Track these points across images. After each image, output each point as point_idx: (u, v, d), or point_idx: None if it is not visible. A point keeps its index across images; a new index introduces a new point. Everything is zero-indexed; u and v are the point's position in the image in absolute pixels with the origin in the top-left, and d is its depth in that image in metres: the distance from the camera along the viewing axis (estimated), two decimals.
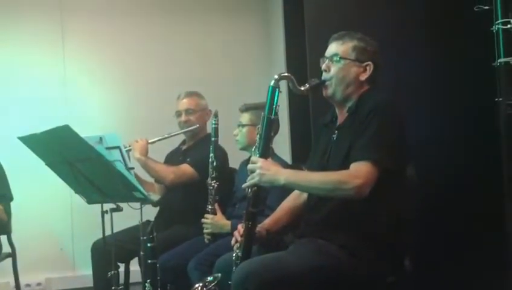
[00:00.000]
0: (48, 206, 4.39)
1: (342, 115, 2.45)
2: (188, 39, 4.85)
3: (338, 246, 2.25)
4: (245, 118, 3.31)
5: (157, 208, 3.71)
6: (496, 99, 2.50)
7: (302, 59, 3.84)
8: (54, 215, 4.43)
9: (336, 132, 2.44)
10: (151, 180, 3.71)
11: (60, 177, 2.98)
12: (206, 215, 3.16)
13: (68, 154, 2.78)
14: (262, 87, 2.40)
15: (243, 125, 3.30)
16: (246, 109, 3.32)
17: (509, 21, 2.46)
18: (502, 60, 2.47)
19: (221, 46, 4.91)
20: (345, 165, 2.26)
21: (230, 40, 4.94)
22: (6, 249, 3.73)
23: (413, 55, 3.18)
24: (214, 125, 3.22)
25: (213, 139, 3.21)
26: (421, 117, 3.08)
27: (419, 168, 2.52)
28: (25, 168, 3.82)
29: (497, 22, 2.50)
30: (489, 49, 2.54)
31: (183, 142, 3.87)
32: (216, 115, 3.22)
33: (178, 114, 3.72)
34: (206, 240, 3.16)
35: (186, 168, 3.54)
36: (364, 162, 2.20)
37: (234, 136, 3.34)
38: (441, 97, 3.13)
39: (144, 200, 2.91)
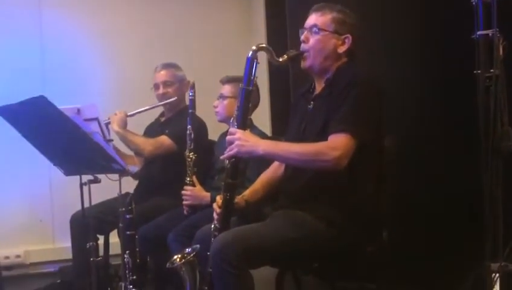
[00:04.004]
0: (27, 178, 4.36)
1: (319, 86, 2.46)
2: (168, 10, 4.77)
3: (316, 217, 2.27)
4: (226, 89, 3.28)
5: (136, 181, 3.70)
6: (475, 72, 2.50)
7: (282, 30, 3.81)
8: (33, 187, 4.40)
9: (312, 102, 2.44)
10: (131, 153, 3.69)
11: (37, 148, 2.94)
12: (186, 187, 3.15)
13: (45, 126, 2.75)
14: (242, 59, 2.38)
15: (224, 97, 3.28)
16: (228, 80, 3.29)
17: None
18: (481, 32, 2.48)
19: (202, 18, 4.85)
20: (321, 136, 2.27)
21: (210, 12, 4.88)
22: None
23: (392, 28, 3.17)
24: (191, 97, 3.19)
25: (190, 111, 3.18)
26: (401, 89, 3.09)
27: (399, 140, 2.53)
28: (2, 139, 3.77)
29: None
30: (468, 22, 2.54)
31: (162, 115, 3.84)
32: (193, 87, 3.19)
33: (156, 87, 3.68)
34: (185, 211, 3.16)
35: (164, 139, 3.53)
36: (342, 134, 2.21)
37: (214, 107, 3.32)
38: (419, 69, 3.14)
39: (123, 172, 2.90)
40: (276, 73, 4.35)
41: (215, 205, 2.45)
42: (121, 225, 2.92)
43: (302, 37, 2.44)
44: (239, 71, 2.51)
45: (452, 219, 3.00)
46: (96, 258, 2.95)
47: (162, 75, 3.66)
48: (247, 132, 2.35)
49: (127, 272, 2.84)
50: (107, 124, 3.45)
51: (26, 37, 4.47)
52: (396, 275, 2.75)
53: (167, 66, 3.69)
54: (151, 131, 3.76)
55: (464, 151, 2.88)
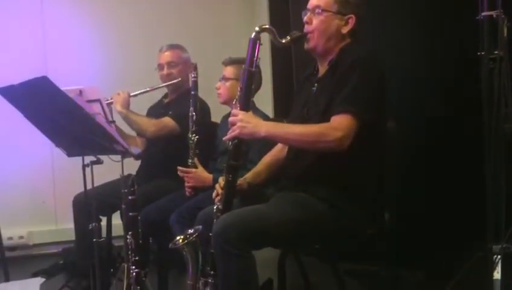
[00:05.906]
0: (29, 159, 4.38)
1: (323, 68, 2.45)
2: None
3: (317, 198, 2.27)
4: (229, 71, 3.26)
5: (139, 162, 3.70)
6: (479, 53, 2.49)
7: (285, 12, 3.79)
8: (35, 168, 4.42)
9: (316, 84, 2.43)
10: (133, 134, 3.68)
11: (39, 129, 2.93)
12: (188, 169, 3.15)
13: (47, 107, 2.74)
14: (244, 40, 2.37)
15: (227, 79, 3.25)
16: (230, 62, 3.27)
17: None
18: (486, 13, 2.46)
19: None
20: (324, 118, 2.26)
21: None
22: None
23: (396, 9, 3.15)
24: (193, 79, 3.17)
25: (192, 92, 3.17)
26: (404, 70, 3.07)
27: (401, 121, 2.53)
28: (5, 121, 3.76)
29: None
30: (472, 2, 2.52)
31: (165, 96, 3.82)
32: (195, 69, 3.17)
33: (160, 67, 3.66)
34: (187, 193, 3.16)
35: (168, 121, 3.51)
36: (345, 114, 2.20)
37: (216, 89, 3.31)
38: (423, 50, 3.12)
39: (125, 153, 2.89)
40: (278, 55, 4.34)
41: (217, 186, 2.45)
42: (123, 206, 2.92)
43: (305, 18, 2.42)
44: (241, 53, 2.50)
45: (454, 201, 3.01)
46: (99, 240, 2.96)
47: (167, 55, 3.64)
48: (250, 113, 2.34)
49: (129, 253, 2.85)
50: (110, 104, 3.43)
51: (28, 24, 4.47)
52: (397, 257, 2.76)
53: (172, 47, 3.67)
54: (154, 112, 3.74)
55: (467, 132, 2.88)
